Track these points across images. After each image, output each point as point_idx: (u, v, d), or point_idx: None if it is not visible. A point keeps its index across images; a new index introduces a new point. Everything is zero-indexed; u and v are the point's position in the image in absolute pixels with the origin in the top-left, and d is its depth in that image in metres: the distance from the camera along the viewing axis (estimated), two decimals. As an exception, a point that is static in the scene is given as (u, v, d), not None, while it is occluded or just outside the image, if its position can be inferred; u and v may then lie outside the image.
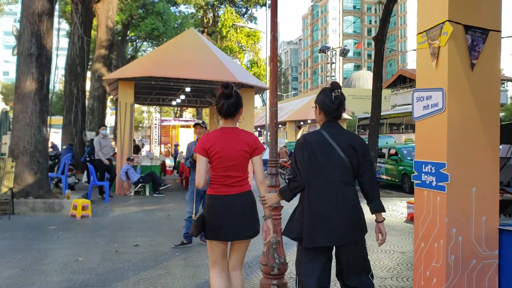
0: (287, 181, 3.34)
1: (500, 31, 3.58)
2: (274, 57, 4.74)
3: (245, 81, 13.19)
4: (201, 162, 3.35)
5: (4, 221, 8.34)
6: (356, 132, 27.07)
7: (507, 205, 4.85)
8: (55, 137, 23.64)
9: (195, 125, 6.68)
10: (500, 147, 7.00)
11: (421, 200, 3.71)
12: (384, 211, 3.31)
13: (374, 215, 3.30)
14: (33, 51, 9.71)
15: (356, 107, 40.18)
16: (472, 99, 3.51)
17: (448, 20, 3.43)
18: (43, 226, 7.95)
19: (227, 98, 3.36)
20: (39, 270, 5.27)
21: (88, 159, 14.27)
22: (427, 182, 3.62)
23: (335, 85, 3.30)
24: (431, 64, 3.60)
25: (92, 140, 16.36)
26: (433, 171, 3.55)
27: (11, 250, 6.21)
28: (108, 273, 5.22)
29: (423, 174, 3.68)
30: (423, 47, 3.71)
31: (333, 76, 20.46)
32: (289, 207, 3.92)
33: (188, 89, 16.22)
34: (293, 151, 3.34)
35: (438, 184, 3.49)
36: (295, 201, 3.30)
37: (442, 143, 3.47)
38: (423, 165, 3.67)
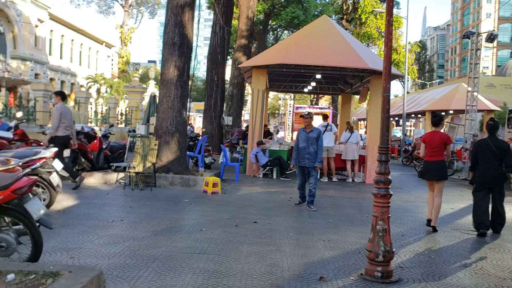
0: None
1: None
2: (389, 42, 4.66)
3: (376, 68, 12.85)
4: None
5: (147, 192, 9.45)
6: (506, 125, 24.59)
7: None
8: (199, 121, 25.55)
9: (301, 116, 8.61)
10: None
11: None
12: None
13: None
14: (176, 41, 10.69)
15: (510, 98, 36.41)
16: None
17: None
18: (178, 199, 8.84)
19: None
20: (167, 236, 5.94)
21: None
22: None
23: (495, 121, 7.28)
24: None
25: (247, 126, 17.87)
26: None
27: (148, 217, 7.07)
28: (225, 243, 5.69)
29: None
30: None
31: (477, 63, 18.64)
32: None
33: (318, 76, 16.34)
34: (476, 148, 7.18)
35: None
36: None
37: None
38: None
